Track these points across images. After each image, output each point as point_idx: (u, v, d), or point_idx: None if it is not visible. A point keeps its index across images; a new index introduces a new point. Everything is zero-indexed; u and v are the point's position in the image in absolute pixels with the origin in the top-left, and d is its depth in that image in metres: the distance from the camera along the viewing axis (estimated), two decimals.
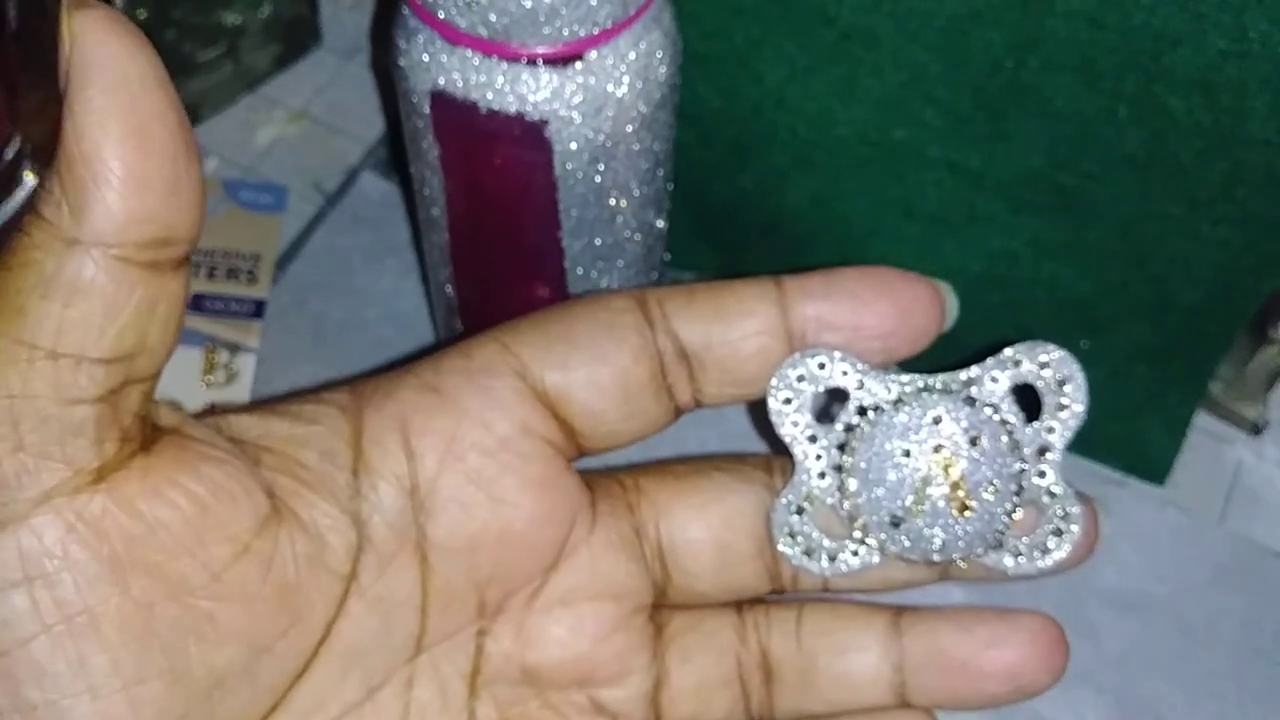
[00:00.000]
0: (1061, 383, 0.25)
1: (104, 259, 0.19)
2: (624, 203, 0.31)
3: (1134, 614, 0.36)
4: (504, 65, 0.28)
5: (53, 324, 0.19)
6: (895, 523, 0.25)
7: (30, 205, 0.20)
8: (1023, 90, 0.32)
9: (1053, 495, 0.25)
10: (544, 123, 0.28)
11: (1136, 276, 0.35)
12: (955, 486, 0.24)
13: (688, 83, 0.32)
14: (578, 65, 0.28)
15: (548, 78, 0.28)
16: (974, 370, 0.25)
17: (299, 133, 0.45)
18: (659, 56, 0.29)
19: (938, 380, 0.25)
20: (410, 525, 0.23)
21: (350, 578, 0.23)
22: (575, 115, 0.28)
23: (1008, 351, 0.25)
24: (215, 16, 0.43)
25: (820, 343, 0.25)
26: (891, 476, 0.25)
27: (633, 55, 0.28)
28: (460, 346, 0.25)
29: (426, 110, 0.29)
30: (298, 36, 0.46)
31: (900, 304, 0.25)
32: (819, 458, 0.25)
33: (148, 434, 0.21)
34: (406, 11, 0.29)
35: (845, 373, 0.25)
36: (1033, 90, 0.32)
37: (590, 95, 0.28)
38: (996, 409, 0.25)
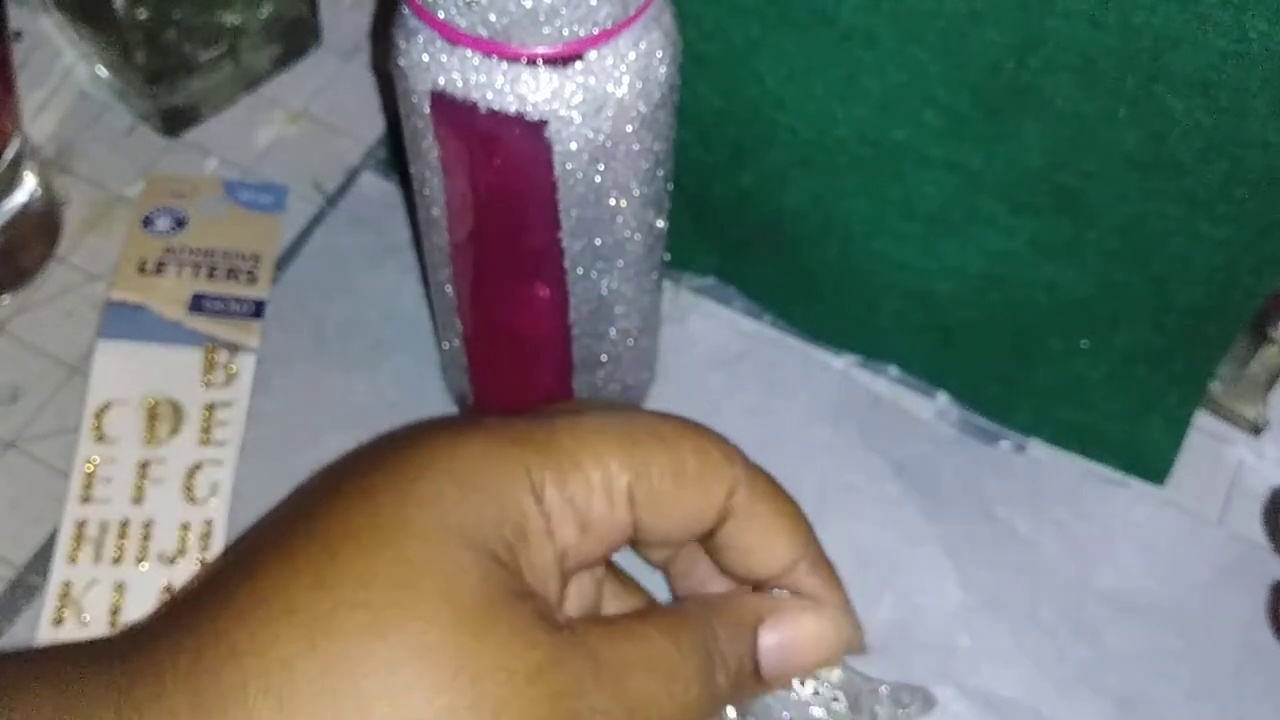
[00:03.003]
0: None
1: None
2: (624, 203, 0.31)
3: (1134, 614, 0.36)
4: (504, 65, 0.28)
5: None
6: None
7: None
8: (1023, 90, 0.32)
9: None
10: (544, 123, 0.28)
11: (1136, 276, 0.35)
12: None
13: (688, 83, 0.32)
14: (578, 65, 0.28)
15: (548, 78, 0.28)
16: (870, 684, 0.31)
17: (299, 133, 0.45)
18: (659, 56, 0.29)
19: (835, 699, 0.31)
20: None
21: None
22: (575, 115, 0.28)
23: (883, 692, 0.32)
24: (215, 16, 0.43)
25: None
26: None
27: (633, 55, 0.28)
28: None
29: (426, 110, 0.29)
30: (298, 36, 0.46)
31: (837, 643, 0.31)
32: None
33: None
34: (406, 11, 0.29)
35: None
36: (1033, 90, 0.32)
37: (590, 95, 0.28)
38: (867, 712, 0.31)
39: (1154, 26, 0.29)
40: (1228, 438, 0.40)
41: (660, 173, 0.32)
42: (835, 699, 0.31)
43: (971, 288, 0.37)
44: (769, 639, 0.29)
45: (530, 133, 0.28)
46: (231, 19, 0.44)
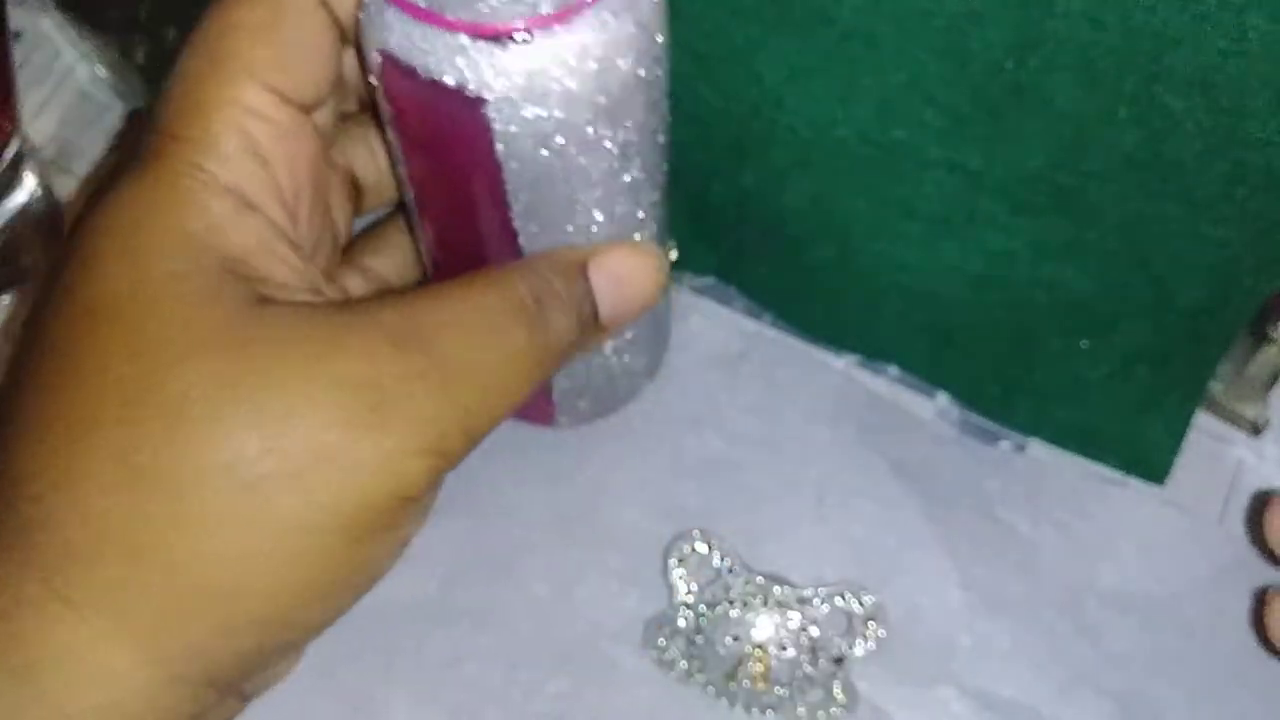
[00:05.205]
0: (869, 619, 0.35)
1: None
2: (581, 195, 0.30)
3: (1134, 614, 0.36)
4: (447, 35, 0.27)
5: None
6: (728, 676, 0.35)
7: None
8: (1023, 90, 0.32)
9: (842, 696, 0.35)
10: (482, 100, 0.27)
11: (1136, 276, 0.35)
12: (761, 676, 0.34)
13: (687, 82, 0.31)
14: (521, 46, 0.26)
15: (490, 53, 0.26)
16: (808, 591, 0.35)
17: None
18: (624, 47, 0.28)
19: (776, 591, 0.34)
20: None
21: None
22: (516, 97, 0.27)
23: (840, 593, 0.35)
24: None
25: None
26: (721, 652, 0.34)
27: (589, 42, 0.27)
28: None
29: (378, 66, 0.28)
30: None
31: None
32: (688, 608, 0.35)
33: None
34: None
35: (718, 562, 0.35)
36: (1033, 90, 0.32)
37: (534, 80, 0.27)
38: (807, 628, 0.34)
39: (1154, 26, 0.29)
40: (1228, 438, 0.40)
41: (636, 171, 0.31)
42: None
43: (971, 288, 0.37)
44: (601, 278, 0.29)
45: (468, 108, 0.27)
46: None
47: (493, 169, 0.29)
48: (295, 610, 0.25)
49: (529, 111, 0.27)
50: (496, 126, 0.28)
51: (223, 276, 0.25)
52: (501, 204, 0.30)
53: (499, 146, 0.28)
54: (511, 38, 0.26)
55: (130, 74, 0.43)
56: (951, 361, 0.40)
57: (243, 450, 0.23)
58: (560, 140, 0.28)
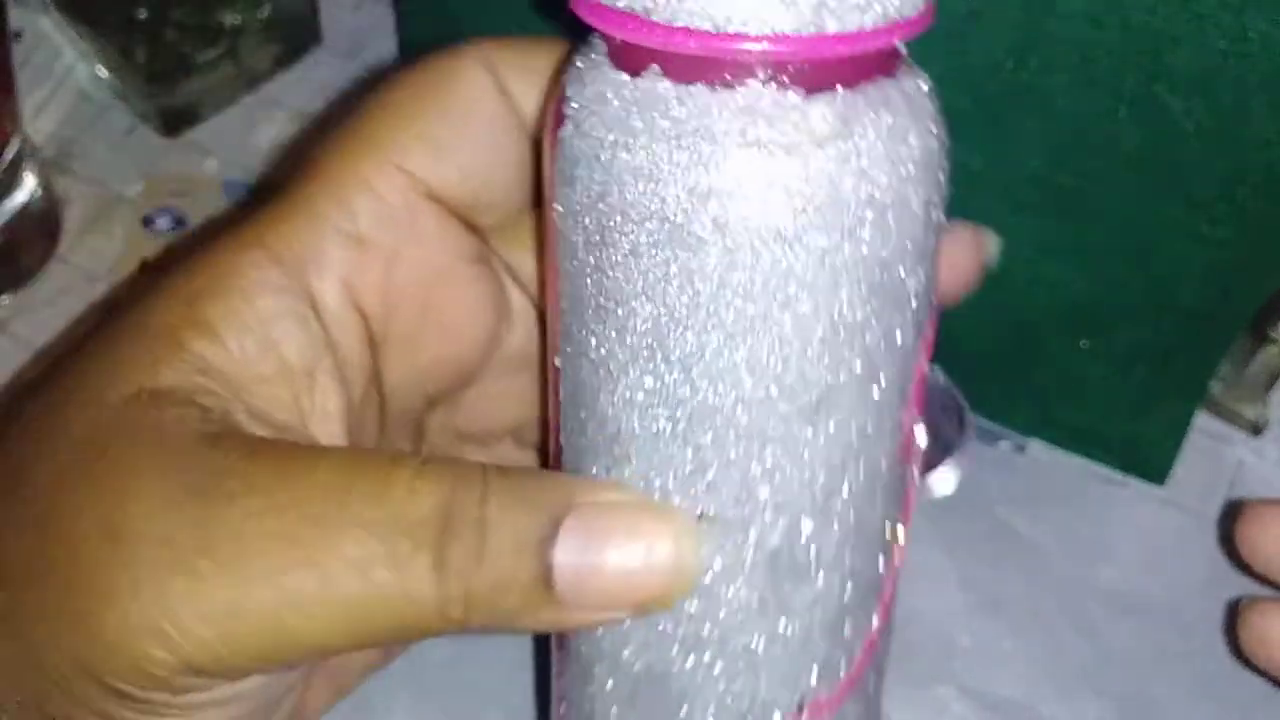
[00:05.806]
0: None
1: None
2: (614, 378, 0.18)
3: (1134, 614, 0.36)
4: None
5: None
6: None
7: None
8: (1023, 90, 0.32)
9: None
10: (555, 134, 0.19)
11: (1136, 276, 0.35)
12: None
13: None
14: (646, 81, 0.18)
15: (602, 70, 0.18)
16: None
17: (299, 133, 0.45)
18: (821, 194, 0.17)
19: None
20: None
21: None
22: (570, 153, 0.18)
23: None
24: (215, 16, 0.43)
25: None
26: None
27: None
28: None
29: None
30: (298, 36, 0.46)
31: None
32: None
33: None
34: None
35: None
36: (1033, 90, 0.32)
37: (591, 142, 0.18)
38: None
39: (1154, 26, 0.29)
40: (1228, 438, 0.40)
41: (762, 400, 0.18)
42: None
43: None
44: (572, 541, 0.19)
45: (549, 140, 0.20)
46: (231, 19, 0.44)
47: (553, 258, 0.20)
48: None
49: (570, 177, 0.18)
50: (553, 161, 0.19)
51: (194, 392, 0.21)
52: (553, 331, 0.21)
53: (554, 202, 0.19)
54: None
55: (130, 74, 0.43)
56: (951, 361, 0.39)
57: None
58: (595, 261, 0.18)
